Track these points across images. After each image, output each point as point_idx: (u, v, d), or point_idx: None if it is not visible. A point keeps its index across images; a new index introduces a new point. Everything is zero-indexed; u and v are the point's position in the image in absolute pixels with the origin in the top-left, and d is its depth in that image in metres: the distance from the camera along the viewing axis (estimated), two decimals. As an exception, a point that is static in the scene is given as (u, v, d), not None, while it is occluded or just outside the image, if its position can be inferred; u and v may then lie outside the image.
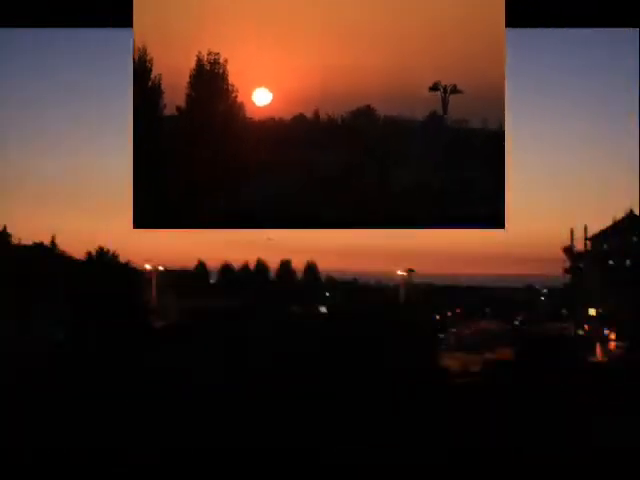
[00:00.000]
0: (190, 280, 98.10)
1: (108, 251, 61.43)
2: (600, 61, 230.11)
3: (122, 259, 63.30)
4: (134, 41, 17.77)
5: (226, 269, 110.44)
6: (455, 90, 21.09)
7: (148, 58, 20.60)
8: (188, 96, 21.76)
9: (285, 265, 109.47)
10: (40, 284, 53.55)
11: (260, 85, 21.62)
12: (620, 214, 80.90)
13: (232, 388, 24.94)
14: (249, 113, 21.72)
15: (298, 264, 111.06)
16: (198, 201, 20.60)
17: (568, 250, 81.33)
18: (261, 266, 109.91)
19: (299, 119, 21.89)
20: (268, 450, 14.93)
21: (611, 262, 78.40)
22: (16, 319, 49.33)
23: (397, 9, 20.26)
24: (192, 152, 21.16)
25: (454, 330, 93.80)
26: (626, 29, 13.42)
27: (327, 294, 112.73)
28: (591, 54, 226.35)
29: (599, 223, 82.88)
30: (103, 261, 60.63)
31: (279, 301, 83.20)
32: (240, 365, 30.06)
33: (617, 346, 66.53)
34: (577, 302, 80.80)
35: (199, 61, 21.00)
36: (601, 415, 21.63)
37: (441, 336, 71.12)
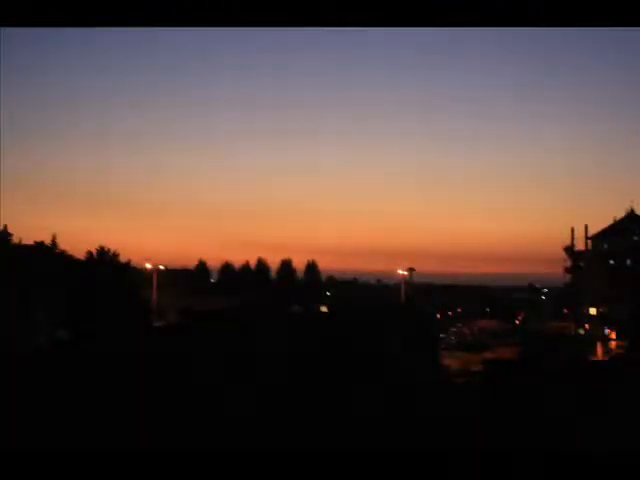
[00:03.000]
0: (191, 279, 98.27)
1: (109, 250, 61.41)
2: (613, 60, 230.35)
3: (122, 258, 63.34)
4: None
5: (226, 268, 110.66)
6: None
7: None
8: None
9: (285, 265, 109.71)
10: (41, 284, 53.53)
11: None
12: (620, 214, 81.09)
13: (233, 388, 24.95)
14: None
15: (298, 264, 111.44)
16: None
17: (569, 249, 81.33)
18: (261, 266, 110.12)
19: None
20: (270, 451, 14.92)
21: (612, 262, 78.33)
22: (18, 319, 49.35)
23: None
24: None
25: (455, 329, 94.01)
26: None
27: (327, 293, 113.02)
28: (605, 53, 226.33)
29: (599, 223, 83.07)
30: (103, 260, 60.61)
31: (279, 301, 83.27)
32: (240, 365, 30.08)
33: (617, 345, 66.56)
34: (578, 301, 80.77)
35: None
36: (601, 415, 21.62)
37: (442, 335, 71.21)
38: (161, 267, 74.26)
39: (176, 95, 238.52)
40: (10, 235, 62.72)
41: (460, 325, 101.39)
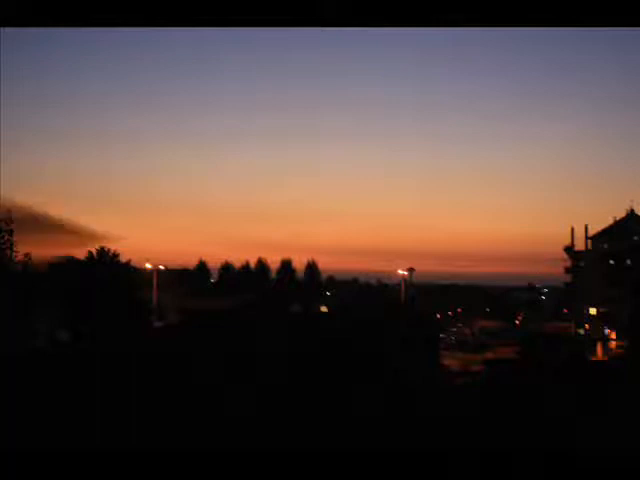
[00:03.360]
0: (191, 279, 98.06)
1: (109, 250, 61.28)
2: (613, 60, 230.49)
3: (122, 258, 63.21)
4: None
5: (226, 268, 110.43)
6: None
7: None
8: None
9: (285, 265, 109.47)
10: (40, 284, 53.45)
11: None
12: (620, 214, 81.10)
13: (233, 388, 24.94)
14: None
15: (298, 264, 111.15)
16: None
17: (569, 249, 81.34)
18: (262, 266, 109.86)
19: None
20: (271, 452, 14.91)
21: (612, 262, 78.32)
22: (17, 319, 49.29)
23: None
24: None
25: (455, 329, 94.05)
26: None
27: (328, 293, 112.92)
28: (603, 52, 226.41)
29: (599, 223, 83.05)
30: (103, 261, 60.49)
31: (279, 301, 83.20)
32: (240, 365, 30.06)
33: (617, 345, 66.55)
34: (578, 301, 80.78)
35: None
36: (601, 415, 21.62)
37: (442, 335, 71.21)
38: (161, 267, 74.15)
39: (176, 95, 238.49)
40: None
41: (460, 325, 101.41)
